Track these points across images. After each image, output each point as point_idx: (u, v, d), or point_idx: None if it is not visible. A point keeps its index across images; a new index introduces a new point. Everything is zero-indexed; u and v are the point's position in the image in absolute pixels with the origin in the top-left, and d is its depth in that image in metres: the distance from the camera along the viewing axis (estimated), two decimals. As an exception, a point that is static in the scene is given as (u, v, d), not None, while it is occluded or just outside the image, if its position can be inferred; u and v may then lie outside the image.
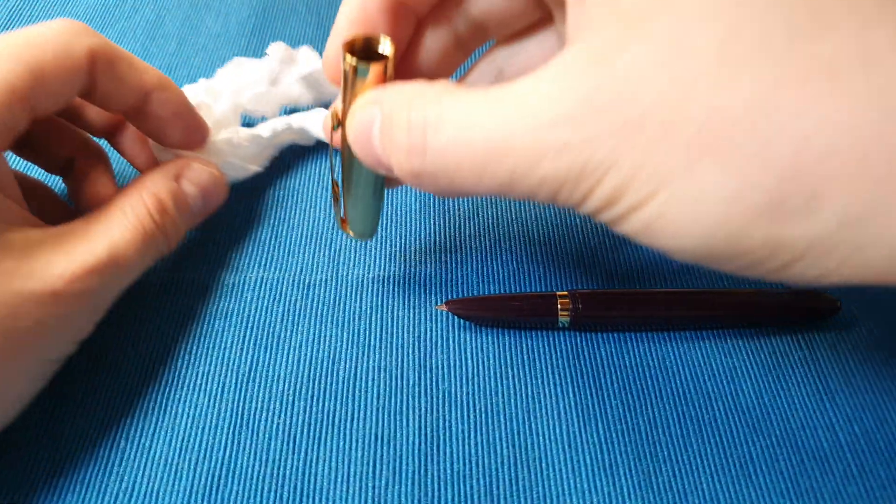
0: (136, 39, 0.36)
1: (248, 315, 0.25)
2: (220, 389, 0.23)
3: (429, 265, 0.27)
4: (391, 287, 0.26)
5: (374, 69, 0.17)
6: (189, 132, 0.25)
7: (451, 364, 0.24)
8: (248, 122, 0.31)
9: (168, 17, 0.38)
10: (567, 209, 0.29)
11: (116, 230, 0.21)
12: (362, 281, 0.26)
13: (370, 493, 0.21)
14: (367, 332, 0.25)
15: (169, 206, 0.23)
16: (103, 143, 0.27)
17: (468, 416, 0.23)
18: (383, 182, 0.22)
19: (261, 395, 0.23)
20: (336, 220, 0.25)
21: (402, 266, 0.27)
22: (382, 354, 0.24)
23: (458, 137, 0.15)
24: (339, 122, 0.20)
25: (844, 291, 0.26)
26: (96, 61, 0.21)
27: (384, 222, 0.29)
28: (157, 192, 0.23)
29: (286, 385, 0.24)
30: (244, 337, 0.25)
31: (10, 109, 0.19)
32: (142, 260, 0.22)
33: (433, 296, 0.26)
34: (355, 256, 0.27)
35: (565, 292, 0.25)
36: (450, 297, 0.26)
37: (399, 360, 0.24)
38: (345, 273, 0.27)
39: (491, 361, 0.24)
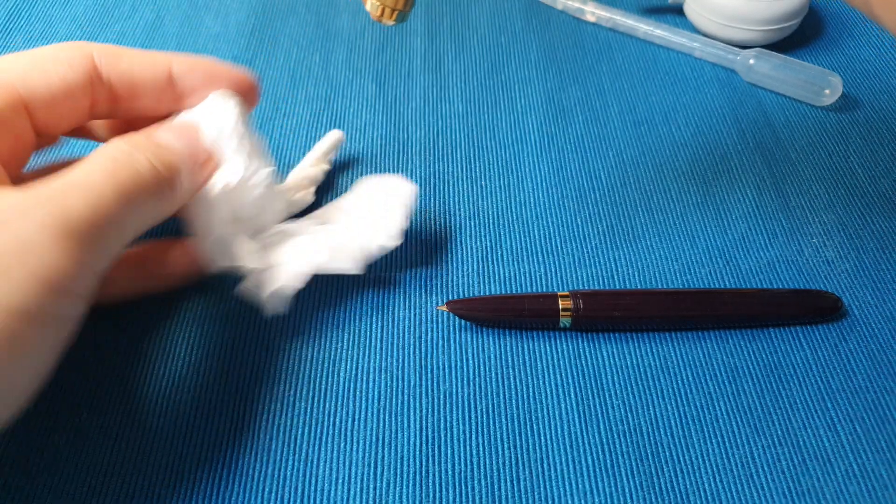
0: (135, 40, 0.36)
1: (248, 317, 0.25)
2: (220, 391, 0.23)
3: (429, 266, 0.27)
4: (392, 288, 0.26)
5: None
6: (231, 80, 0.23)
7: (452, 365, 0.24)
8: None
9: (167, 18, 0.37)
10: (567, 209, 0.29)
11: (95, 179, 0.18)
12: (363, 282, 0.26)
13: (371, 495, 0.21)
14: (368, 333, 0.25)
15: (147, 140, 0.20)
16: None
17: (469, 417, 0.23)
18: None
19: (262, 396, 0.23)
20: None
21: (403, 267, 0.27)
22: (383, 355, 0.24)
23: None
24: None
25: (847, 290, 0.26)
26: (98, 61, 0.21)
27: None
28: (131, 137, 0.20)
29: (287, 386, 0.24)
30: (245, 339, 0.25)
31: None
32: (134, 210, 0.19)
33: (434, 296, 0.26)
34: (356, 257, 0.27)
35: (567, 292, 0.25)
36: (450, 297, 0.26)
37: (400, 360, 0.24)
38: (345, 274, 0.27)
39: (492, 362, 0.24)
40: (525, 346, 0.25)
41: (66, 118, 0.21)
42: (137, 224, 0.19)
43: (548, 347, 0.25)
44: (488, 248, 0.28)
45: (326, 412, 0.23)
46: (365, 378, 0.24)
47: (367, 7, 0.20)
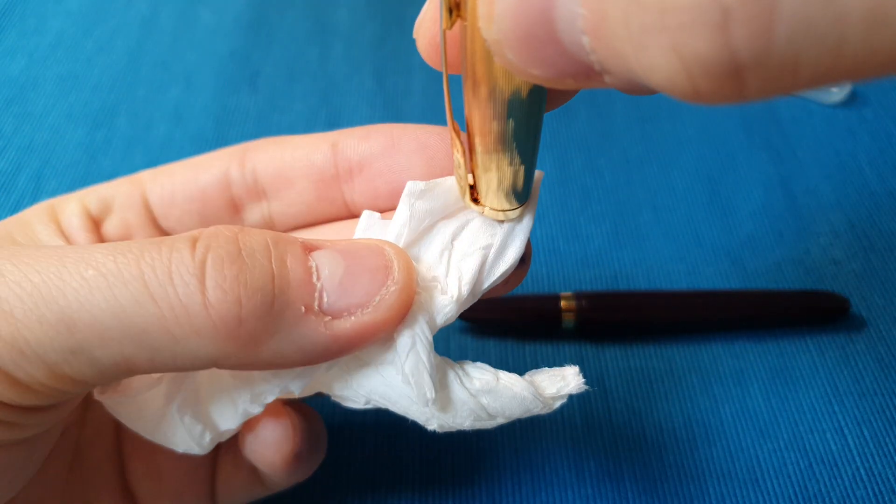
0: (130, 35, 0.35)
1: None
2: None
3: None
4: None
5: None
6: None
7: (453, 367, 0.24)
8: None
9: (163, 11, 0.37)
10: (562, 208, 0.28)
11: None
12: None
13: (371, 500, 0.21)
14: (367, 335, 0.25)
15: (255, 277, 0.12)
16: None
17: (470, 421, 0.22)
18: (543, 105, 0.12)
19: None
20: (461, 191, 0.14)
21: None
22: (383, 357, 0.24)
23: None
24: (455, 5, 0.10)
25: (855, 291, 0.26)
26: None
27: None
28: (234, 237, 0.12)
29: (285, 389, 0.23)
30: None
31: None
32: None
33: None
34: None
35: (569, 293, 0.24)
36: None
37: (400, 363, 0.24)
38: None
39: (493, 365, 0.24)
40: (527, 348, 0.24)
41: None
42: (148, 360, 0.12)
43: (550, 349, 0.24)
44: (490, 248, 0.27)
45: (324, 416, 0.23)
46: (364, 381, 0.23)
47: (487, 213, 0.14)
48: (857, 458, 0.22)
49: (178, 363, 0.12)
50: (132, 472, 0.17)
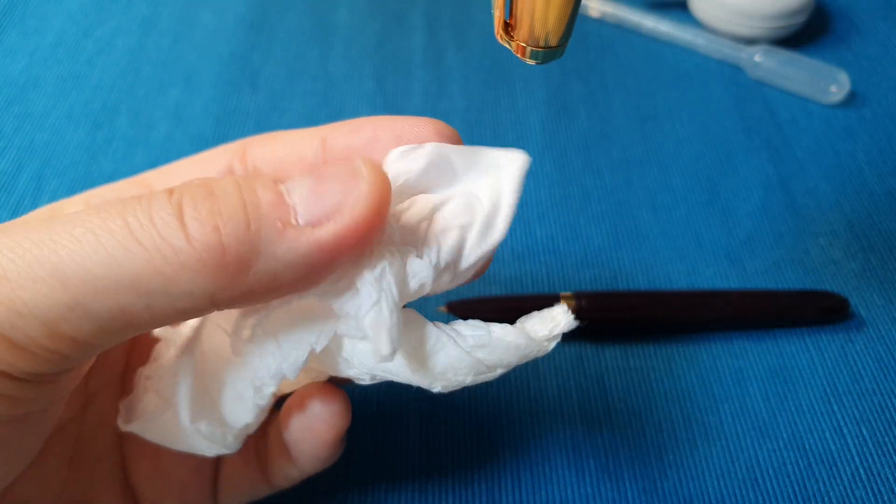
0: (130, 35, 0.35)
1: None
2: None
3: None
4: (391, 288, 0.26)
5: None
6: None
7: (453, 367, 0.24)
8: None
9: (163, 12, 0.37)
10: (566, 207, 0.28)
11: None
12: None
13: (370, 498, 0.21)
14: (368, 335, 0.25)
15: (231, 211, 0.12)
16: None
17: (470, 420, 0.22)
18: None
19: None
20: (496, 25, 0.14)
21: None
22: (383, 357, 0.24)
23: None
24: None
25: (854, 291, 0.26)
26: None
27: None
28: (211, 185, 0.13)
29: (285, 389, 0.23)
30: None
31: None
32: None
33: (434, 297, 0.26)
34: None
35: (569, 293, 0.24)
36: (451, 298, 0.26)
37: (400, 362, 0.24)
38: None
39: (493, 364, 0.24)
40: (527, 347, 0.24)
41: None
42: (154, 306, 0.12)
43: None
44: (489, 248, 0.27)
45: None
46: (364, 380, 0.23)
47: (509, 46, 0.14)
48: (856, 458, 0.22)
49: (178, 306, 0.12)
50: (135, 470, 0.17)
